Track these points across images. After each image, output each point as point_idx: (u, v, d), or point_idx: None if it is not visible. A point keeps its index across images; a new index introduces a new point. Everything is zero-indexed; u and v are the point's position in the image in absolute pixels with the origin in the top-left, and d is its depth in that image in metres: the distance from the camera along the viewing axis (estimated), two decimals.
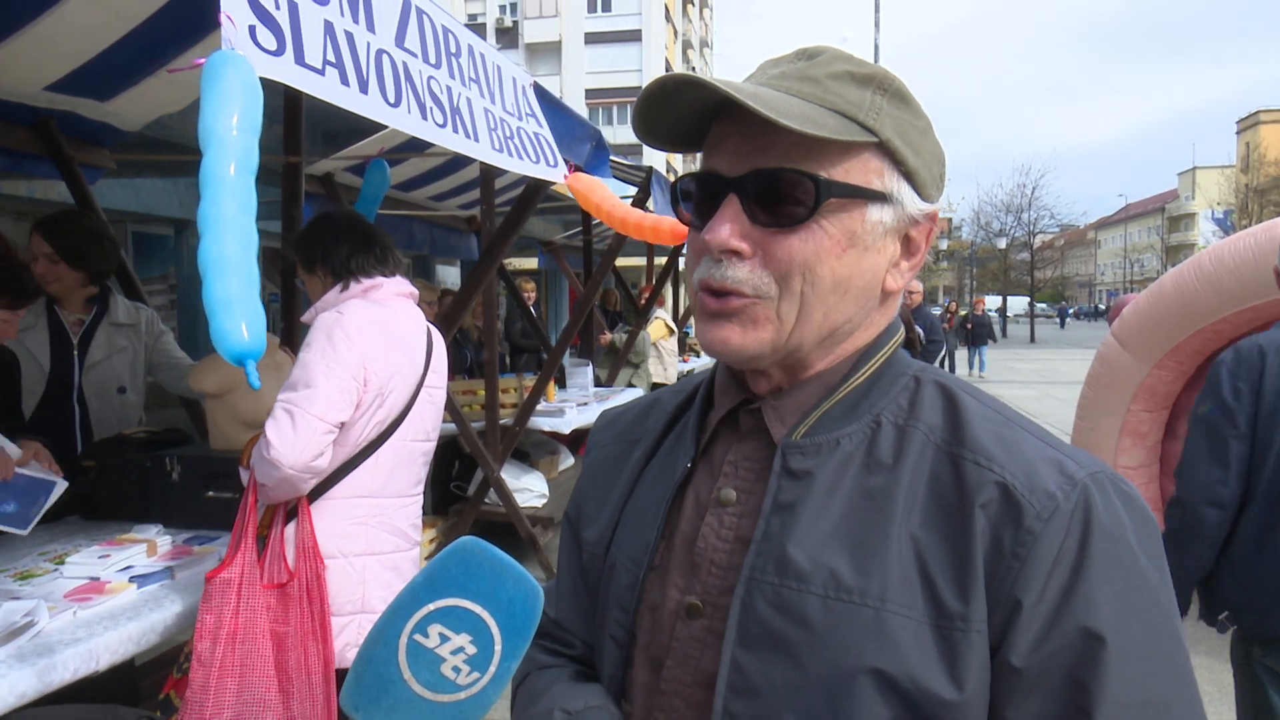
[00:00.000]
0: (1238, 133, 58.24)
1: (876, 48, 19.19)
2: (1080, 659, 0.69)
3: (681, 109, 0.79)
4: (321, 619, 2.05)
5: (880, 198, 0.78)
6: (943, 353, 15.41)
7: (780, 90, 0.76)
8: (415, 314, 2.35)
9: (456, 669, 0.71)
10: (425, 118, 1.99)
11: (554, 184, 2.86)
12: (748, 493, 0.82)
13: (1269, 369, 2.12)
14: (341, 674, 2.26)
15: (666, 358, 8.71)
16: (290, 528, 2.11)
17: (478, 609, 0.71)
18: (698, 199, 0.81)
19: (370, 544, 2.22)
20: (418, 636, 0.70)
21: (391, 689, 0.70)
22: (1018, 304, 52.38)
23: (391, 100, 1.86)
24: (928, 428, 0.79)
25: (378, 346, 2.14)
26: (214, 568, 2.01)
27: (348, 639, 2.21)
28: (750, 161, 0.76)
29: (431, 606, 0.71)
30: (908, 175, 0.79)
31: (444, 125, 2.08)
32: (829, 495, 0.77)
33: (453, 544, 0.74)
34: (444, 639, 0.70)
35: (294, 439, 1.97)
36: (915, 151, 0.79)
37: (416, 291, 2.39)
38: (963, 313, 20.15)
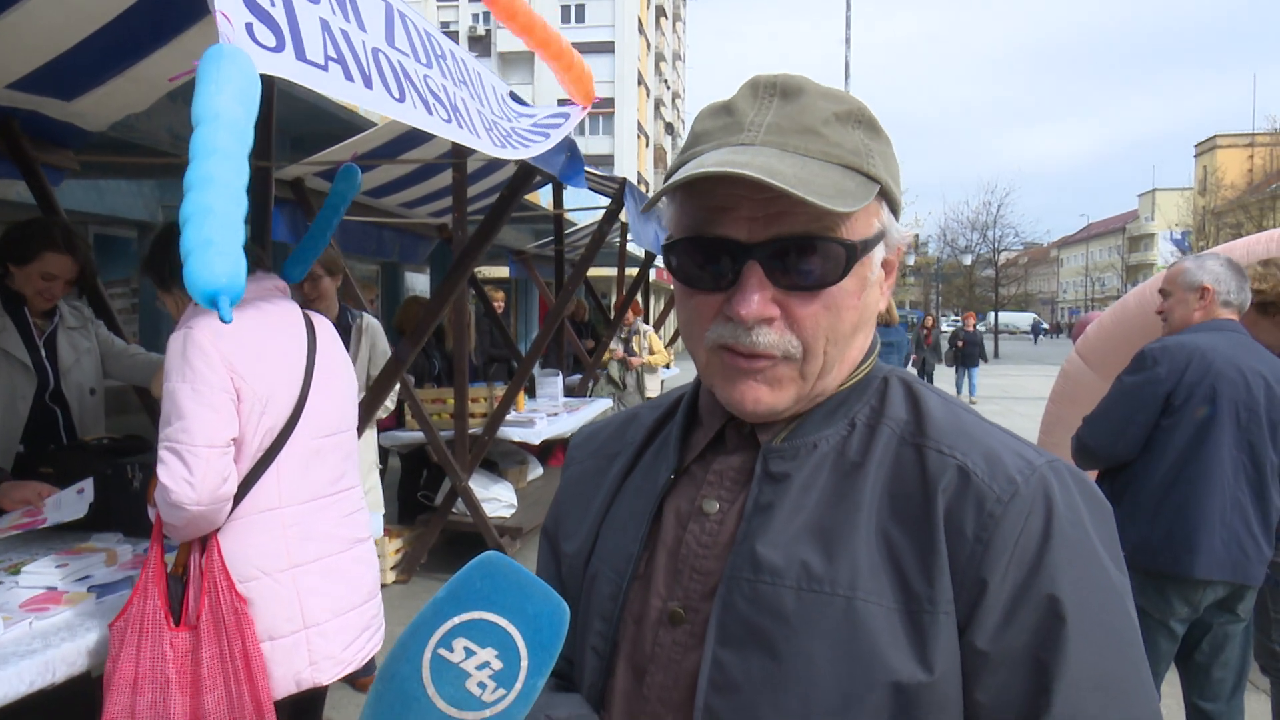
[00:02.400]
0: (1196, 156, 59.59)
1: (847, 64, 19.42)
2: (1042, 640, 0.72)
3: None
4: (244, 656, 1.93)
5: (881, 238, 0.82)
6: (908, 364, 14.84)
7: (786, 150, 0.75)
8: (285, 306, 2.20)
9: (482, 684, 0.68)
10: (430, 113, 1.94)
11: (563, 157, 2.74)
12: (729, 501, 0.84)
13: (1193, 363, 2.58)
14: (291, 703, 2.14)
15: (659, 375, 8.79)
16: (200, 560, 1.98)
17: (504, 623, 0.69)
18: (704, 260, 0.80)
19: (294, 556, 2.09)
20: (442, 651, 0.68)
21: (415, 706, 0.68)
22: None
23: (396, 95, 1.82)
24: (894, 422, 0.83)
25: (240, 351, 1.99)
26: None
27: (297, 663, 2.08)
28: (771, 229, 0.76)
29: (456, 620, 0.69)
30: (892, 206, 0.83)
31: (449, 120, 2.03)
32: (803, 495, 0.80)
33: (477, 558, 0.73)
34: (469, 653, 0.68)
35: (190, 476, 1.85)
36: (894, 180, 0.82)
37: (285, 284, 2.25)
38: (929, 328, 18.70)
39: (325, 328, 2.31)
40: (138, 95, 3.26)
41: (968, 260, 42.20)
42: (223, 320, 1.37)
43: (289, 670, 2.07)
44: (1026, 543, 0.74)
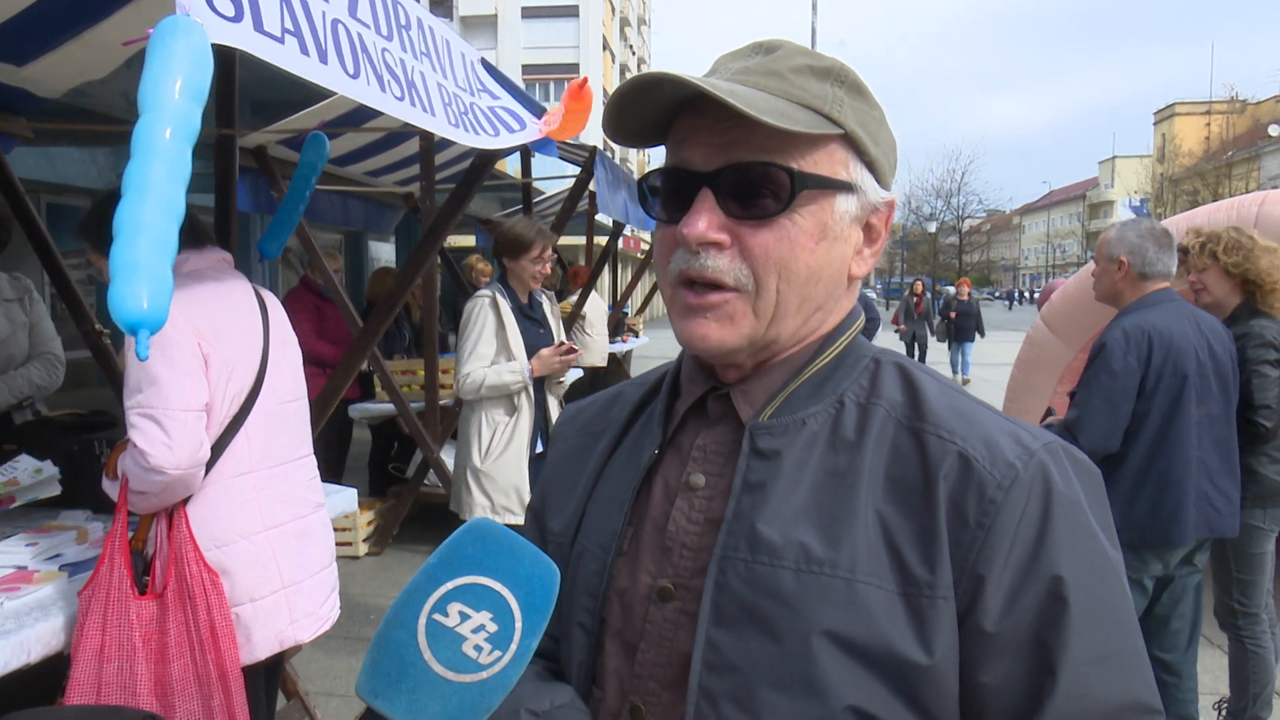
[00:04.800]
0: (1155, 124, 60.30)
1: (814, 31, 19.34)
2: (1046, 621, 0.74)
3: (648, 105, 0.80)
4: (210, 626, 1.93)
5: (847, 188, 0.81)
6: (877, 330, 11.50)
7: (747, 85, 0.78)
8: (235, 277, 2.22)
9: (478, 648, 0.69)
10: (384, 90, 1.92)
11: (518, 147, 2.73)
12: (717, 475, 0.84)
13: (1155, 346, 2.68)
14: (262, 668, 2.16)
15: (595, 339, 8.40)
16: (169, 533, 1.98)
17: (497, 586, 0.70)
18: (667, 193, 0.83)
19: (267, 518, 2.12)
20: (437, 616, 0.69)
21: (412, 671, 0.68)
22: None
23: (351, 71, 1.79)
24: (889, 404, 0.82)
25: (205, 317, 2.00)
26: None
27: (279, 622, 2.11)
28: (724, 156, 0.78)
29: (450, 585, 0.70)
30: (869, 165, 0.83)
31: (402, 98, 2.01)
32: (797, 473, 0.80)
33: (466, 524, 0.73)
34: (464, 617, 0.69)
35: (169, 441, 1.85)
36: (875, 141, 0.82)
37: (229, 255, 2.26)
38: (920, 295, 15.55)
39: (271, 300, 2.33)
40: (94, 61, 3.16)
41: (932, 228, 42.56)
42: (139, 358, 1.32)
43: (271, 630, 2.11)
44: (1027, 527, 0.75)
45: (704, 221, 0.78)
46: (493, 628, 0.69)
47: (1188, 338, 2.72)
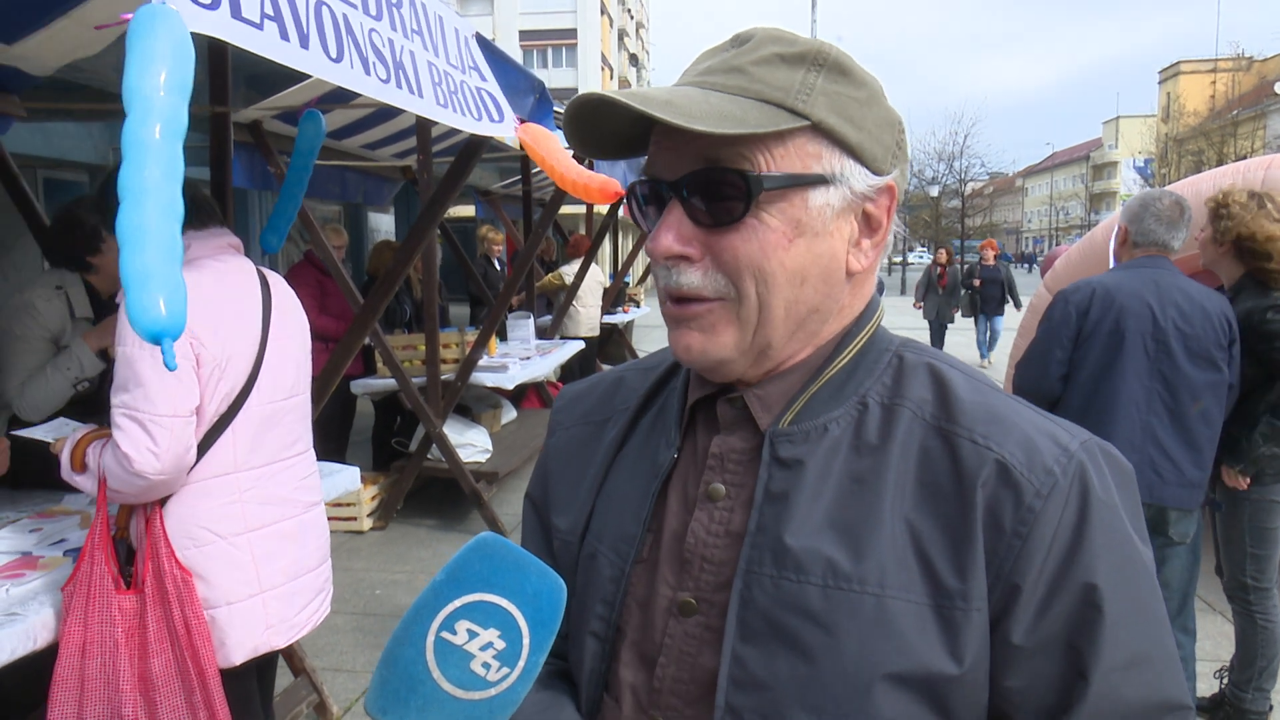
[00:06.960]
0: (1159, 83, 59.54)
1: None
2: (1079, 627, 0.72)
3: (616, 120, 0.77)
4: (184, 622, 1.91)
5: (821, 181, 0.76)
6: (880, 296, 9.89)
7: (705, 87, 0.75)
8: (241, 264, 2.14)
9: (486, 665, 0.69)
10: (369, 73, 1.89)
11: (499, 139, 2.74)
12: (737, 485, 0.81)
13: (1095, 302, 2.78)
14: (243, 669, 2.11)
15: (581, 311, 8.39)
16: (145, 528, 1.95)
17: (504, 603, 0.71)
18: (646, 203, 0.81)
19: (249, 520, 2.06)
20: (445, 634, 0.70)
21: (420, 689, 0.69)
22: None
23: (334, 55, 1.76)
24: (915, 404, 0.79)
25: (198, 315, 1.93)
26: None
27: (255, 627, 2.05)
28: (686, 163, 0.76)
29: (458, 603, 0.70)
30: (852, 152, 0.77)
31: (387, 80, 1.98)
32: (820, 483, 0.77)
33: (473, 540, 0.73)
34: (472, 635, 0.70)
35: (154, 446, 1.81)
36: (857, 126, 0.77)
37: (238, 240, 2.18)
38: (944, 266, 12.81)
39: (280, 286, 2.25)
40: (85, 38, 3.11)
41: (934, 192, 42.22)
42: (167, 368, 1.33)
43: (247, 636, 2.05)
44: (1063, 533, 0.73)
45: (670, 235, 0.76)
46: (500, 645, 0.70)
47: (1141, 300, 2.73)
